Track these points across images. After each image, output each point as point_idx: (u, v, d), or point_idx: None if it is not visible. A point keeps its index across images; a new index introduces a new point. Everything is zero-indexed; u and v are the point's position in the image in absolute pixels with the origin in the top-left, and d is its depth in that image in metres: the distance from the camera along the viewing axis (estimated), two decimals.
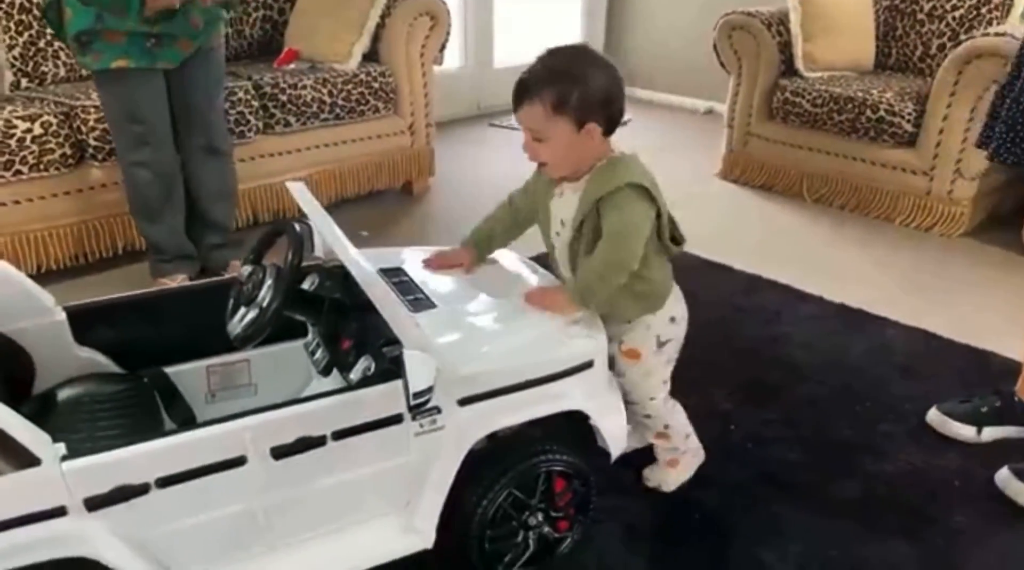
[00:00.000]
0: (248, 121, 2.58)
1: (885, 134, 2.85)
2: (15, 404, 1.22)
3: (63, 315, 1.32)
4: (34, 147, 2.18)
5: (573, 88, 1.23)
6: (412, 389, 1.06)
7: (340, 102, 2.80)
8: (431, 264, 1.45)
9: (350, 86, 2.82)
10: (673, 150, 3.86)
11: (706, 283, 2.43)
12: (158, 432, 1.12)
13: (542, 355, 1.26)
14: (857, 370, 1.98)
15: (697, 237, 2.74)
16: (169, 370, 1.42)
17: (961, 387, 1.85)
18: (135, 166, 2.13)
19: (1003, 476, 1.56)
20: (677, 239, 1.39)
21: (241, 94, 2.54)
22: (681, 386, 1.83)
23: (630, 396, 1.43)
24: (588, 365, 1.30)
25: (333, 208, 2.91)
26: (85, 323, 1.35)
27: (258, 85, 2.61)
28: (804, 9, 3.08)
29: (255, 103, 2.59)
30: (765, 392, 1.89)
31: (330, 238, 1.18)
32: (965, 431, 1.69)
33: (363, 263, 1.13)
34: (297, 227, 1.27)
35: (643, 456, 1.58)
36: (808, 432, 1.74)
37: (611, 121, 1.28)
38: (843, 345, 2.10)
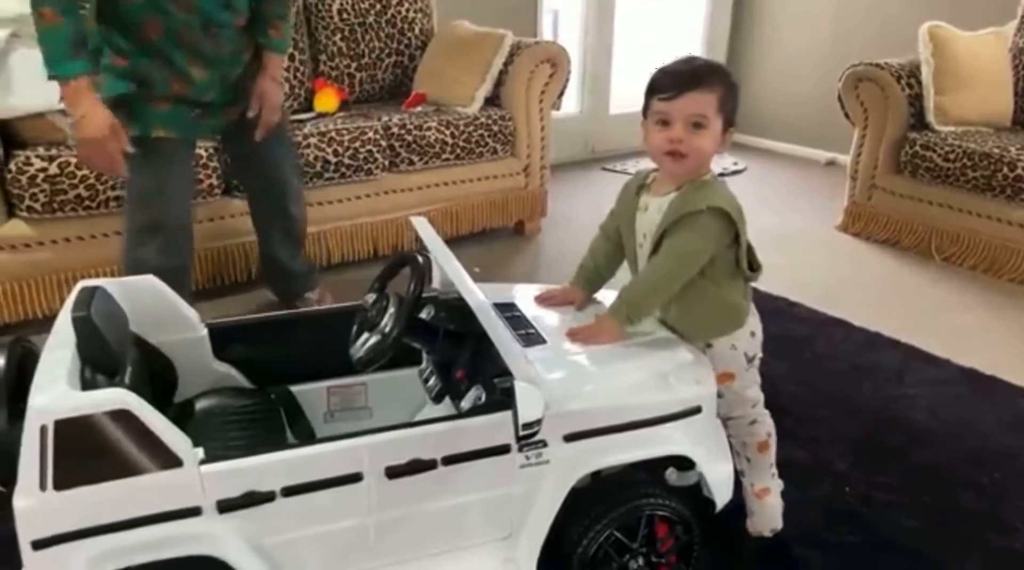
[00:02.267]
0: (375, 159, 2.72)
1: (1022, 193, 2.70)
2: (159, 409, 1.36)
3: (205, 331, 1.44)
4: None
5: (732, 91, 1.32)
6: (521, 420, 1.09)
7: (461, 143, 2.92)
8: (542, 301, 1.49)
9: (471, 128, 2.93)
10: (792, 201, 3.79)
11: (824, 338, 2.37)
12: (284, 444, 1.19)
13: (649, 397, 1.27)
14: (986, 439, 1.87)
15: (815, 290, 2.74)
16: (294, 388, 1.51)
17: None
18: (140, 219, 1.98)
19: None
20: (754, 266, 1.41)
21: (371, 134, 2.70)
22: (796, 442, 1.80)
23: (732, 412, 1.45)
24: (696, 411, 1.29)
25: (448, 244, 3.01)
26: (223, 340, 1.46)
27: (387, 126, 2.76)
28: (937, 63, 2.98)
29: (383, 143, 2.74)
30: (883, 455, 1.80)
31: (450, 270, 1.24)
32: None
33: (480, 295, 1.18)
34: (420, 259, 1.34)
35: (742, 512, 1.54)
36: (929, 500, 1.65)
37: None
38: (971, 412, 1.98)
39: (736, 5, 4.73)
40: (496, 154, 3.05)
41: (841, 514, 1.60)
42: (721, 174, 4.21)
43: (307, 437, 1.45)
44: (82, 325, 1.11)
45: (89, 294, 1.18)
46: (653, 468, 1.30)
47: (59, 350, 1.11)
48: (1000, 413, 1.97)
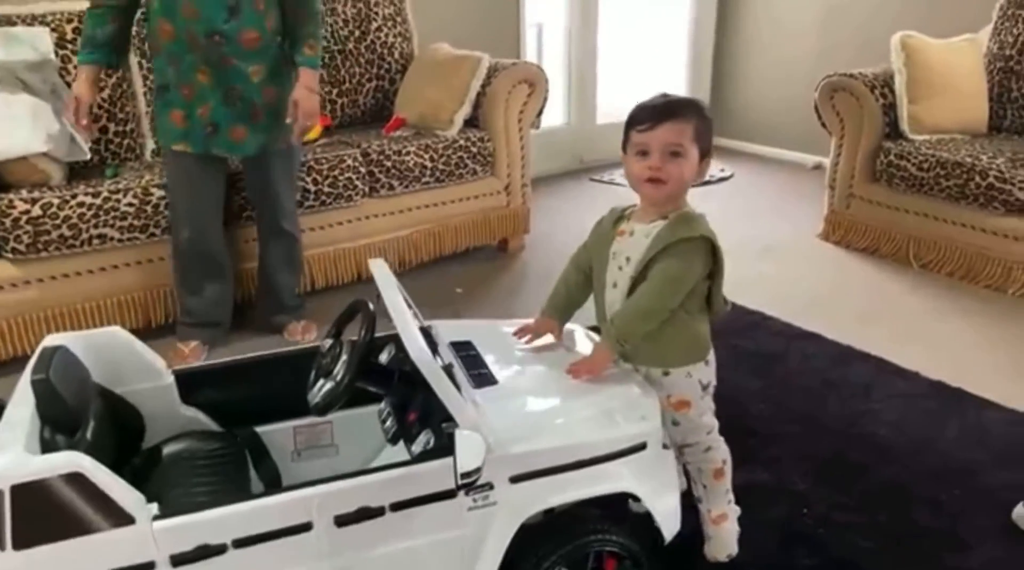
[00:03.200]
0: (355, 186, 2.77)
1: (996, 201, 2.72)
2: (127, 457, 1.41)
3: (172, 378, 1.49)
4: (168, 213, 2.43)
5: (706, 123, 1.39)
6: (460, 469, 1.13)
7: (441, 166, 2.96)
8: (521, 336, 1.53)
9: (450, 151, 2.98)
10: (776, 207, 3.82)
11: (796, 353, 2.40)
12: (239, 495, 1.24)
13: (594, 436, 1.31)
14: (948, 455, 1.90)
15: (791, 301, 2.77)
16: (260, 429, 1.56)
17: None
18: (178, 239, 2.31)
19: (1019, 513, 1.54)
20: (724, 301, 1.47)
21: (349, 161, 2.75)
22: (759, 463, 1.83)
23: (688, 439, 1.49)
24: (641, 447, 1.34)
25: (431, 266, 3.07)
26: (190, 384, 1.51)
27: (366, 153, 2.81)
28: (909, 72, 3.00)
29: (362, 169, 2.79)
30: (845, 473, 1.84)
31: (396, 319, 1.28)
32: None
33: (421, 347, 1.22)
34: (371, 306, 1.39)
35: (696, 539, 1.57)
36: (887, 519, 1.69)
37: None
38: (936, 426, 2.01)
39: (720, 11, 4.76)
40: (476, 175, 3.09)
41: (798, 537, 1.64)
42: (707, 182, 4.25)
43: (272, 479, 1.51)
44: (40, 387, 1.17)
45: (49, 354, 1.24)
46: (603, 503, 1.33)
47: (19, 411, 1.16)
48: (964, 427, 2.00)
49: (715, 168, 4.42)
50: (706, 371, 1.48)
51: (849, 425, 2.03)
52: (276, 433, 1.58)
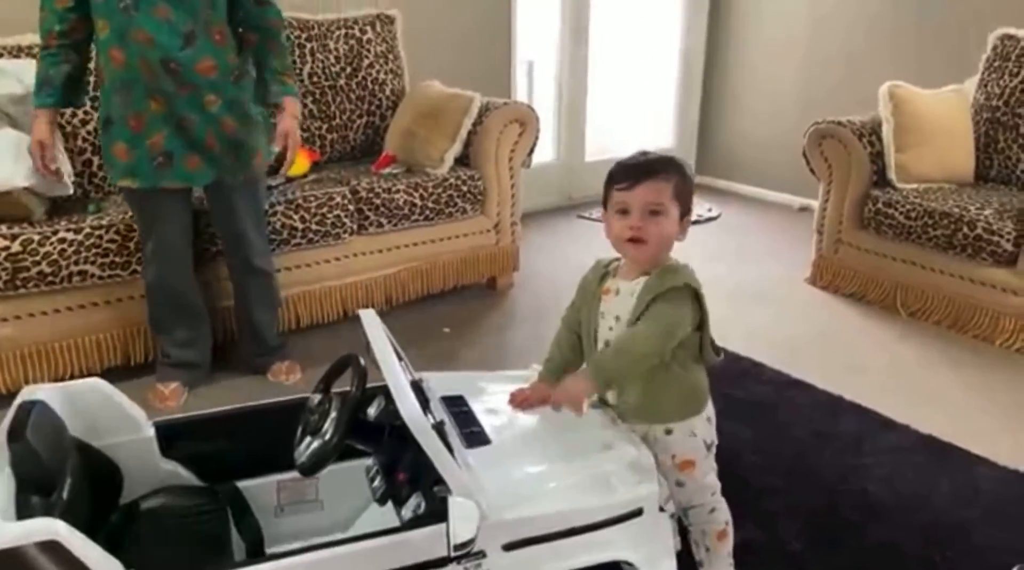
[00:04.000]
0: (344, 224, 2.74)
1: (983, 252, 2.74)
2: (104, 513, 1.36)
3: (151, 431, 1.44)
4: None
5: (687, 181, 1.39)
6: (454, 540, 1.10)
7: (430, 204, 2.94)
8: (515, 404, 1.48)
9: (440, 189, 2.96)
10: (763, 249, 3.83)
11: (786, 402, 2.38)
12: (220, 563, 1.19)
13: (590, 501, 1.27)
14: (940, 512, 1.88)
15: (780, 348, 2.76)
16: (243, 484, 1.51)
17: None
18: (146, 278, 2.26)
19: None
20: (716, 350, 1.45)
21: (339, 199, 2.72)
22: (752, 519, 1.80)
23: (693, 501, 1.47)
24: (637, 513, 1.30)
25: (419, 303, 3.04)
26: (171, 437, 1.47)
27: (355, 190, 2.79)
28: (897, 120, 3.03)
29: (351, 207, 2.76)
30: (839, 531, 1.81)
31: (387, 375, 1.24)
32: None
33: (412, 404, 1.18)
34: (361, 360, 1.35)
35: None
36: None
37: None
38: (928, 483, 1.99)
39: (709, 52, 4.81)
40: (466, 213, 3.07)
41: None
42: (695, 222, 4.26)
43: (254, 538, 1.45)
44: (18, 451, 1.12)
45: (27, 412, 1.19)
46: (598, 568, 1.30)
47: None
48: (956, 484, 1.99)
49: (702, 208, 4.44)
50: (708, 429, 1.46)
51: (841, 479, 2.01)
52: (259, 488, 1.53)
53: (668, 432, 1.42)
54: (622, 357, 1.35)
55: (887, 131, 3.05)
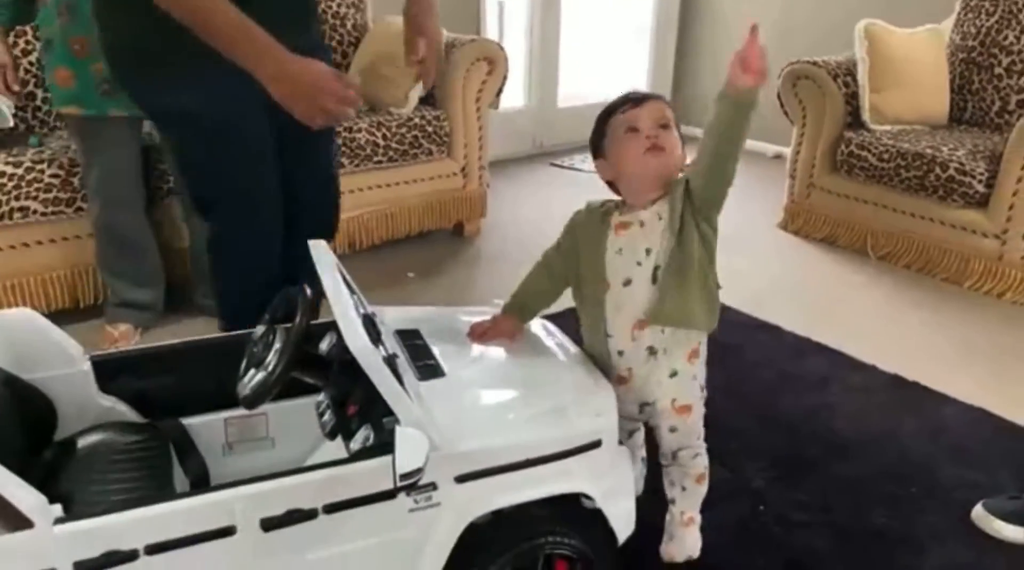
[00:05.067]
0: None
1: (955, 194, 2.71)
2: (37, 450, 1.29)
3: (88, 364, 1.36)
4: None
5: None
6: (400, 470, 1.04)
7: (394, 145, 2.84)
8: (475, 337, 1.43)
9: (404, 129, 2.86)
10: (735, 196, 3.72)
11: (752, 344, 2.36)
12: (154, 496, 1.13)
13: (546, 432, 1.23)
14: (905, 450, 1.87)
15: (749, 292, 2.72)
16: (187, 421, 1.44)
17: (1019, 479, 1.72)
18: (92, 214, 2.14)
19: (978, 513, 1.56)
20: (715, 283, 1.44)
21: None
22: (717, 458, 1.78)
23: (682, 445, 1.43)
24: (596, 445, 1.26)
25: (383, 248, 2.96)
26: (109, 372, 1.39)
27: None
28: (872, 61, 2.97)
29: None
30: (801, 469, 1.80)
31: (333, 302, 1.18)
32: (1010, 532, 1.56)
33: (359, 334, 1.12)
34: (308, 291, 1.28)
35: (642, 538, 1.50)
36: (843, 518, 1.64)
37: None
38: (892, 421, 1.98)
39: (682, 9, 4.69)
40: (432, 155, 2.98)
41: (754, 536, 1.59)
42: None
43: (199, 475, 1.39)
44: None
45: None
46: (554, 502, 1.26)
47: None
48: (921, 422, 1.98)
49: None
50: (703, 371, 1.43)
51: (806, 419, 1.99)
52: (205, 425, 1.46)
53: (673, 375, 1.37)
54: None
55: (862, 71, 2.99)
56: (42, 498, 0.99)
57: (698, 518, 1.51)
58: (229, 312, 1.78)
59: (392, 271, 2.83)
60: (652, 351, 1.35)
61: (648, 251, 1.33)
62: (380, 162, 2.84)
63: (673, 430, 1.41)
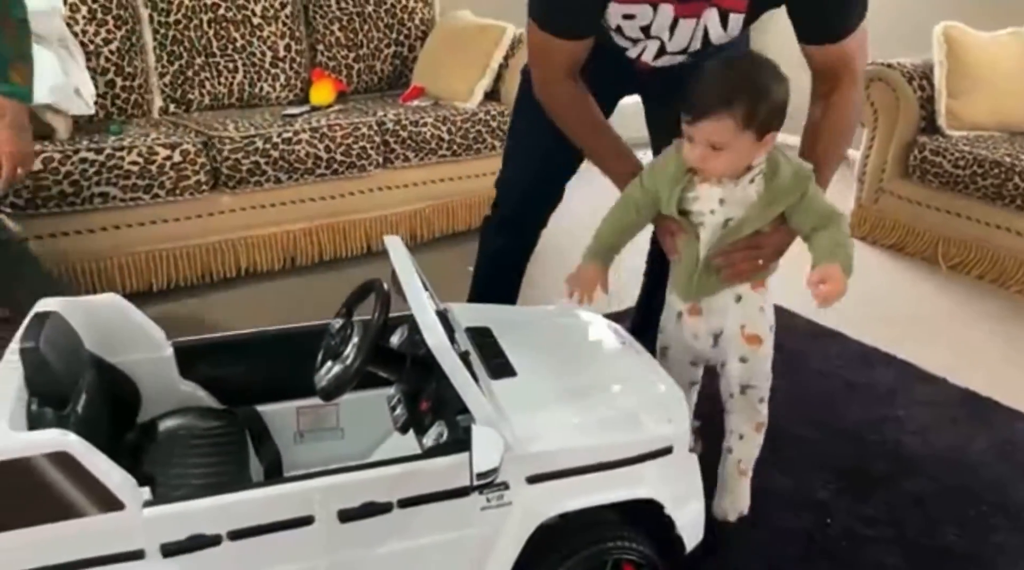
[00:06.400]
0: (369, 156, 2.68)
1: None
2: (121, 431, 1.34)
3: (171, 350, 1.41)
4: (172, 174, 2.34)
5: (761, 103, 1.28)
6: (476, 469, 1.05)
7: (458, 139, 2.86)
8: (573, 296, 1.45)
9: (468, 124, 2.87)
10: None
11: (816, 351, 2.31)
12: (237, 483, 1.16)
13: (617, 437, 1.23)
14: (975, 467, 1.82)
15: (810, 298, 2.66)
16: (262, 408, 1.48)
17: None
18: None
19: None
20: None
21: (365, 130, 2.65)
22: (779, 466, 1.76)
23: (751, 382, 1.46)
24: (666, 451, 1.25)
25: (443, 241, 2.98)
26: (190, 358, 1.43)
27: (381, 122, 2.71)
28: (950, 64, 2.88)
29: (377, 139, 2.69)
30: (868, 483, 1.76)
31: (412, 301, 1.19)
32: None
33: (438, 331, 1.13)
34: (385, 286, 1.30)
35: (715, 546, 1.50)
36: (912, 534, 1.61)
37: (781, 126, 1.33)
38: (963, 437, 1.93)
39: None
40: (494, 150, 2.98)
41: (821, 549, 1.56)
42: None
43: (272, 461, 1.43)
44: (29, 357, 1.09)
45: (40, 321, 1.16)
46: (623, 508, 1.25)
47: (4, 381, 1.08)
48: (993, 439, 1.92)
49: None
50: (771, 310, 1.47)
51: (873, 431, 1.95)
52: (278, 413, 1.49)
53: (738, 299, 1.40)
54: (848, 247, 1.33)
55: (939, 75, 2.90)
56: (132, 480, 1.03)
57: (750, 472, 1.52)
58: None
59: (452, 264, 2.84)
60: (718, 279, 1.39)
61: (722, 201, 1.35)
62: (444, 156, 2.86)
63: (743, 360, 1.43)
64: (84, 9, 2.51)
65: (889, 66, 2.97)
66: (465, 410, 1.16)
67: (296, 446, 1.51)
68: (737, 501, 1.53)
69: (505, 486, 1.16)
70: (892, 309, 2.63)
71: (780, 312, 2.47)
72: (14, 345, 1.15)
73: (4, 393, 1.05)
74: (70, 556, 1.00)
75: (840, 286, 1.27)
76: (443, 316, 1.43)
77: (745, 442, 1.50)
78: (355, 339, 1.26)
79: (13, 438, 0.97)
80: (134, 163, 2.27)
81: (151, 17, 2.66)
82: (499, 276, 1.87)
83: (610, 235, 1.46)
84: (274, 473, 1.42)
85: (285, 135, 2.51)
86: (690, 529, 1.29)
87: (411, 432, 1.33)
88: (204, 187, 2.42)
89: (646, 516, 1.26)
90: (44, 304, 1.25)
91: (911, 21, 3.68)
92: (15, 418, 1.02)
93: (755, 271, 1.39)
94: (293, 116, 2.63)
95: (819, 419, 1.99)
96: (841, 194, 3.33)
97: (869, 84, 3.01)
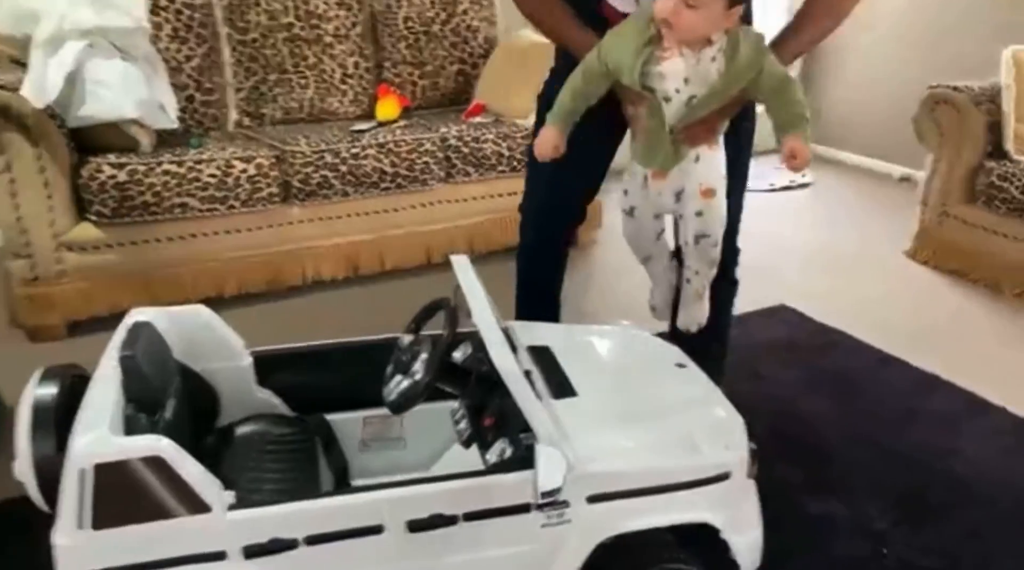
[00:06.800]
0: (432, 170, 2.75)
1: None
2: (201, 435, 1.41)
3: (250, 359, 1.48)
4: (247, 186, 2.45)
5: None
6: (540, 488, 1.10)
7: (518, 156, 2.91)
8: (538, 153, 1.52)
9: (527, 141, 2.91)
10: (860, 219, 3.66)
11: (877, 377, 2.30)
12: (314, 491, 1.23)
13: (677, 461, 1.26)
14: None
15: (874, 322, 2.65)
16: (330, 417, 1.55)
17: None
18: None
19: None
20: None
21: (428, 146, 2.72)
22: (836, 494, 1.76)
23: (707, 230, 1.52)
24: (725, 477, 1.28)
25: (501, 255, 3.03)
26: (267, 367, 1.51)
27: (444, 138, 2.78)
28: (1019, 88, 2.83)
29: (440, 154, 2.76)
30: (926, 513, 1.75)
31: (480, 321, 1.24)
32: None
33: (505, 351, 1.18)
34: (453, 304, 1.35)
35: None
36: (968, 566, 1.60)
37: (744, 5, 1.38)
38: (1022, 468, 1.90)
39: None
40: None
41: None
42: (787, 188, 4.11)
43: (340, 468, 1.49)
44: (128, 365, 1.17)
45: (136, 331, 1.24)
46: (679, 530, 1.28)
47: (104, 387, 1.16)
48: None
49: (795, 173, 4.26)
50: (723, 161, 1.51)
51: (932, 460, 1.93)
52: (345, 422, 1.56)
53: (697, 160, 1.46)
54: (803, 109, 1.38)
55: (1007, 98, 2.85)
56: (218, 484, 1.10)
57: (707, 293, 1.65)
58: None
59: (510, 278, 2.89)
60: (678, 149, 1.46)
61: (686, 80, 1.39)
62: (504, 171, 2.92)
63: (699, 214, 1.50)
64: (168, 27, 2.64)
65: (955, 89, 2.93)
66: (528, 428, 1.21)
67: (361, 454, 1.58)
68: (697, 316, 1.65)
69: (566, 504, 1.20)
70: (954, 336, 2.59)
71: (835, 334, 2.49)
72: (112, 352, 1.23)
73: (104, 399, 1.13)
74: (160, 554, 1.07)
75: (807, 154, 1.37)
76: (506, 334, 1.47)
77: (701, 276, 1.61)
78: (424, 355, 1.32)
79: (114, 442, 1.05)
80: (212, 175, 2.38)
81: (229, 35, 2.78)
82: (533, 301, 1.94)
83: (569, 102, 1.51)
84: (342, 480, 1.48)
85: (353, 150, 2.60)
86: (747, 554, 1.31)
87: (471, 446, 1.39)
88: (276, 199, 2.52)
89: (704, 540, 1.28)
90: (137, 313, 1.34)
91: (978, 44, 3.61)
92: (114, 423, 1.10)
93: (714, 135, 1.47)
94: (361, 132, 2.72)
95: (878, 444, 1.98)
96: (903, 216, 3.30)
97: (934, 107, 2.98)
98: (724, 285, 1.79)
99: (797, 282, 2.91)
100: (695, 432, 1.30)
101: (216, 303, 2.40)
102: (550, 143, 1.50)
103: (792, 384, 2.24)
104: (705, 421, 1.33)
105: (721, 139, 1.51)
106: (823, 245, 3.28)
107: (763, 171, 4.35)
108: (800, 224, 3.55)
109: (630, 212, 1.61)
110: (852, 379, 2.28)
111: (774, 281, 2.85)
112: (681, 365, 1.50)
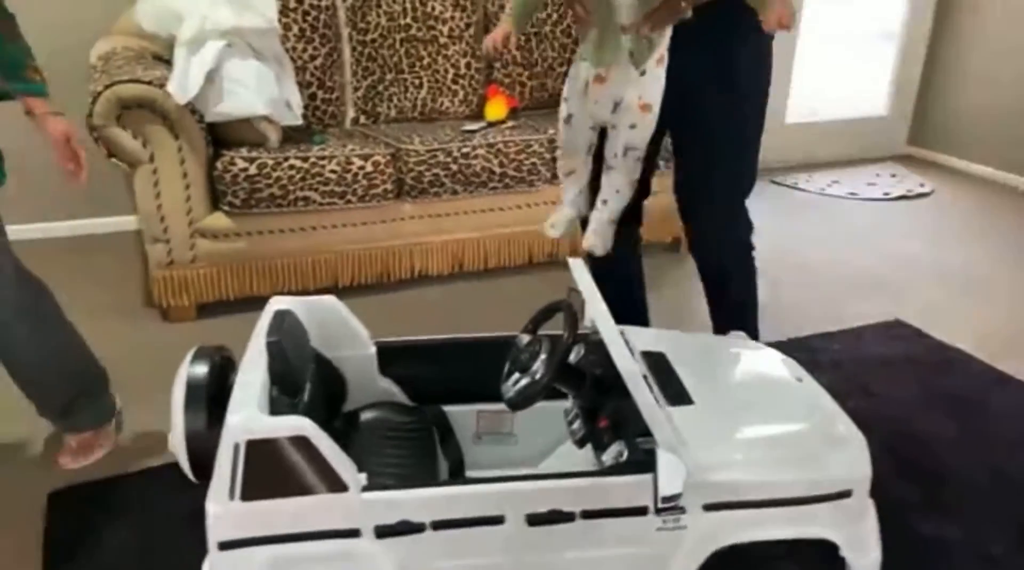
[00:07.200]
0: (539, 171, 2.79)
1: None
2: (330, 417, 1.50)
3: (374, 349, 1.56)
4: (364, 182, 2.55)
5: None
6: (662, 492, 1.12)
7: None
8: (490, 45, 1.61)
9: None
10: (983, 232, 3.50)
11: (995, 397, 2.21)
12: (436, 481, 1.28)
13: (797, 475, 1.25)
14: None
15: (993, 340, 2.54)
16: (447, 408, 1.61)
17: None
18: None
19: None
20: None
21: (536, 147, 2.77)
22: (949, 516, 1.71)
23: (634, 143, 1.59)
24: (845, 494, 1.27)
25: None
26: (388, 357, 1.58)
27: (552, 139, 2.82)
28: None
29: (547, 155, 2.80)
30: None
31: (600, 323, 1.27)
32: None
33: (627, 355, 1.20)
34: (573, 307, 1.39)
35: None
36: None
37: None
38: None
39: (939, 11, 4.38)
40: (658, 169, 3.01)
41: None
42: (904, 197, 3.96)
43: (456, 459, 1.55)
44: (275, 349, 1.25)
45: (281, 318, 1.33)
46: (796, 545, 1.28)
47: (253, 370, 1.25)
48: None
49: (914, 182, 4.10)
50: (663, 78, 1.53)
51: None
52: (460, 414, 1.62)
53: (643, 74, 1.50)
54: None
55: None
56: (354, 466, 1.17)
57: (617, 218, 1.70)
58: None
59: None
60: (629, 53, 1.48)
61: None
62: None
63: (633, 126, 1.55)
64: (295, 28, 2.77)
65: None
66: (645, 432, 1.23)
67: (474, 447, 1.63)
68: (607, 241, 1.71)
69: (682, 510, 1.21)
70: None
71: (954, 352, 2.40)
72: (258, 337, 1.32)
73: (254, 381, 1.22)
74: (299, 528, 1.15)
75: (790, 11, 1.34)
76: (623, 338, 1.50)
77: (620, 196, 1.67)
78: (543, 355, 1.35)
79: (264, 421, 1.13)
80: (333, 171, 2.49)
81: (350, 36, 2.90)
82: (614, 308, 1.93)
83: (521, 4, 1.62)
84: (457, 470, 1.54)
85: (464, 150, 2.67)
86: None
87: (585, 447, 1.42)
88: (390, 195, 2.62)
89: (821, 557, 1.27)
90: (278, 301, 1.43)
91: None
92: (262, 403, 1.18)
93: (677, 15, 1.44)
94: (472, 132, 2.79)
95: (994, 468, 1.91)
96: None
97: None
98: (729, 244, 1.97)
99: (913, 297, 2.81)
100: (817, 448, 1.29)
101: (331, 293, 2.53)
102: (500, 36, 1.58)
103: (907, 402, 2.17)
104: (827, 438, 1.32)
105: (667, 54, 1.51)
106: (941, 258, 3.14)
107: (877, 179, 4.22)
108: (918, 235, 3.42)
109: (567, 119, 1.66)
110: (970, 399, 2.20)
111: (889, 294, 2.77)
112: (799, 379, 1.49)
